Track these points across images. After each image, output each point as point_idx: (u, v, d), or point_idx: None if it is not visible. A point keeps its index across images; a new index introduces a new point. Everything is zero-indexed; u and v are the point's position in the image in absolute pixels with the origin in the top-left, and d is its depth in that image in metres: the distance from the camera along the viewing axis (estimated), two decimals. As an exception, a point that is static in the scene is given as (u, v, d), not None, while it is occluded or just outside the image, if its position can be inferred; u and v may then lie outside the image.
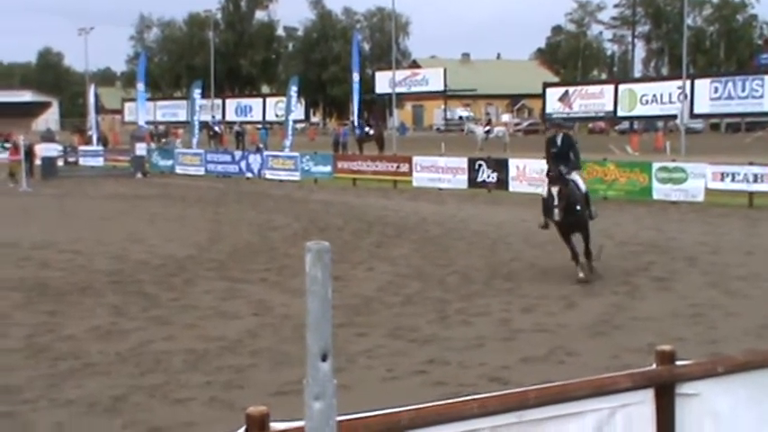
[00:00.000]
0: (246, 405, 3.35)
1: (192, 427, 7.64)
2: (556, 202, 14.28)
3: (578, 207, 14.62)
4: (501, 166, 31.82)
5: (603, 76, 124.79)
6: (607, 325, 11.66)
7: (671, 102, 67.81)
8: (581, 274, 14.55)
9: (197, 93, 54.72)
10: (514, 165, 31.33)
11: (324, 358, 2.52)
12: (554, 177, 14.49)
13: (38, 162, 43.51)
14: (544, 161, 15.80)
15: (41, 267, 16.69)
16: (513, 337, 11.09)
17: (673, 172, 27.58)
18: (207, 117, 69.01)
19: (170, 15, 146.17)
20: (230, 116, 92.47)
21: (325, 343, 2.52)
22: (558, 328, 11.53)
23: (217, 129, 65.40)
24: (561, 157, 14.96)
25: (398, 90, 71.93)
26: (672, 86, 68.78)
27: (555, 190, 14.36)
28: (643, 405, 3.96)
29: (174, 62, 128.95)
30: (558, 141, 15.17)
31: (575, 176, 14.98)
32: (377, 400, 7.57)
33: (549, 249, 17.14)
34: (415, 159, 35.37)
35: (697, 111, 67.18)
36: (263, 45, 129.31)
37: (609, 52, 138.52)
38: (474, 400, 3.55)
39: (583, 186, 15.16)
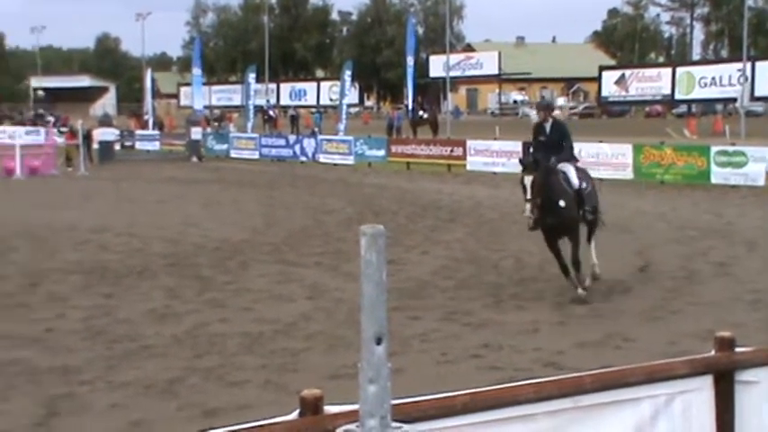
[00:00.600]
0: (300, 388, 3.35)
1: (247, 409, 7.69)
2: (528, 196, 11.95)
3: (561, 203, 12.23)
4: (556, 150, 31.58)
5: (661, 60, 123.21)
6: (664, 310, 11.54)
7: (730, 84, 66.80)
8: (579, 290, 12.24)
9: (252, 77, 54.99)
10: (570, 148, 31.09)
11: (378, 342, 2.51)
12: (528, 165, 12.22)
13: (95, 146, 44.05)
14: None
15: (99, 250, 16.88)
16: (567, 322, 11.03)
17: (732, 156, 27.15)
18: (261, 101, 69.27)
19: (225, 0, 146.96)
20: (284, 100, 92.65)
21: (379, 326, 2.50)
22: (613, 313, 11.44)
23: (271, 113, 65.65)
24: (550, 146, 12.61)
25: (452, 74, 71.62)
26: (731, 69, 67.72)
27: (528, 180, 11.98)
28: (701, 392, 3.90)
29: (230, 47, 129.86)
30: (548, 128, 12.81)
31: (566, 167, 12.64)
32: (431, 383, 7.59)
33: (603, 234, 16.95)
34: (470, 143, 35.26)
35: (758, 93, 66.09)
36: (317, 29, 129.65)
37: (666, 35, 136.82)
38: (529, 384, 3.52)
39: (575, 180, 12.59)
